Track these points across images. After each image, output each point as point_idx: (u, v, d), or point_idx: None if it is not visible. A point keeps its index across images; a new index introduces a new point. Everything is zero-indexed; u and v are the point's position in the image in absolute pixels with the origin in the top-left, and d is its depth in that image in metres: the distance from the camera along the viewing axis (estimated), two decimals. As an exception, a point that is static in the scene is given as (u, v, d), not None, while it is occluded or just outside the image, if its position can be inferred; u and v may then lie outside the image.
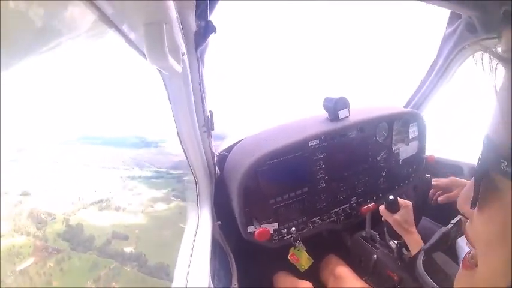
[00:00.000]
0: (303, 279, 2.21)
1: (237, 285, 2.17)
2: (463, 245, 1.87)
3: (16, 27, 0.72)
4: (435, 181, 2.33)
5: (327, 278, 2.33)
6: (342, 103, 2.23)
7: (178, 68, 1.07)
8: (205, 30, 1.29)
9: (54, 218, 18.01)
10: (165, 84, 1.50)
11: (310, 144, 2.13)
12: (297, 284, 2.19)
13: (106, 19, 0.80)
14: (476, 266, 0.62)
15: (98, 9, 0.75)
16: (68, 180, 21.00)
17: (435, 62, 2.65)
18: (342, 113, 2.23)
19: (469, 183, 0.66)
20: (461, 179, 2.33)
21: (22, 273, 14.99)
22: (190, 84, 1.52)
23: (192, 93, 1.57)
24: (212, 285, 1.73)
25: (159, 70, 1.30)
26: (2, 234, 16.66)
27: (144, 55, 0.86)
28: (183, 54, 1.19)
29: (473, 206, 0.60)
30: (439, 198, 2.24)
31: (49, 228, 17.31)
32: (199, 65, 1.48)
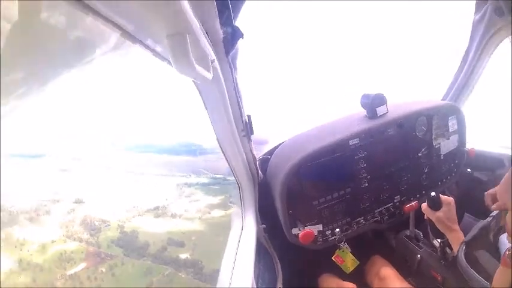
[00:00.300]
0: (347, 280, 2.19)
1: (281, 287, 2.17)
2: (505, 242, 1.78)
3: (53, 43, 0.76)
4: (487, 193, 2.20)
5: (372, 279, 2.28)
6: (380, 99, 2.18)
7: (209, 75, 1.08)
8: (232, 36, 1.29)
9: (109, 225, 18.58)
10: (199, 92, 1.52)
11: (350, 144, 2.11)
12: (341, 286, 2.18)
13: (129, 36, 0.83)
14: None
15: (119, 27, 0.78)
16: (124, 188, 21.72)
17: (467, 51, 2.56)
18: (380, 110, 2.19)
19: (510, 170, 0.61)
20: None
21: (72, 278, 15.48)
22: (225, 90, 1.53)
23: (227, 98, 1.59)
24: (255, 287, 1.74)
25: (192, 80, 1.33)
26: (53, 240, 17.43)
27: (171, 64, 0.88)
28: (212, 61, 1.20)
29: None
30: (492, 207, 2.13)
31: (103, 234, 17.86)
32: (232, 71, 1.49)
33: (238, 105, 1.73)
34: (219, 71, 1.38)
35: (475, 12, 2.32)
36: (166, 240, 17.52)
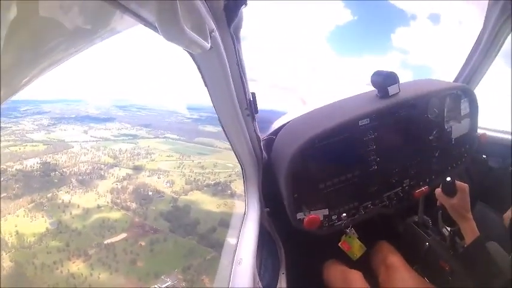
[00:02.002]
0: (352, 267, 2.16)
1: (284, 273, 2.16)
2: None
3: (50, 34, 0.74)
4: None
5: (378, 266, 2.24)
6: (392, 78, 2.08)
7: (205, 45, 0.97)
8: (234, 3, 1.18)
9: (162, 197, 17.47)
10: (197, 66, 1.41)
11: (360, 124, 2.03)
12: (347, 274, 2.14)
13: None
14: None
15: None
16: (187, 159, 20.36)
17: (482, 32, 2.48)
18: (391, 89, 2.09)
19: None
20: None
21: (107, 247, 14.44)
22: (227, 65, 1.43)
23: (229, 74, 1.49)
24: (257, 275, 1.70)
25: (187, 51, 1.20)
26: (99, 205, 16.48)
27: (158, 31, 0.77)
28: (212, 31, 1.09)
29: None
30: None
31: (153, 206, 16.88)
32: (234, 43, 1.38)
33: (242, 81, 1.63)
34: (220, 42, 1.27)
35: None
36: (219, 221, 16.30)
